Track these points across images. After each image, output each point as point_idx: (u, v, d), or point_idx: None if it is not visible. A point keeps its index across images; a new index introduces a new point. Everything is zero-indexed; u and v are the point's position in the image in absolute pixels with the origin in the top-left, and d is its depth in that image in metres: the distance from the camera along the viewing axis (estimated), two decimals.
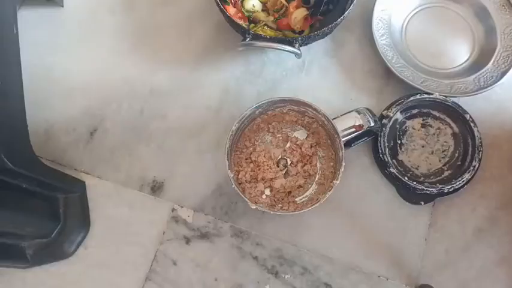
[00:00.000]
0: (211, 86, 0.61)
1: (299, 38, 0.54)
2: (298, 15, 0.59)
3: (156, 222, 0.56)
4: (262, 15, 0.60)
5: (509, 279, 0.54)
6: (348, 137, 0.52)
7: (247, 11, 0.60)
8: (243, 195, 0.50)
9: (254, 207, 0.50)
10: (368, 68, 0.62)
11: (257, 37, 0.54)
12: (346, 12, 0.54)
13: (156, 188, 0.58)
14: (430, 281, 0.54)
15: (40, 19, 0.64)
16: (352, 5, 0.55)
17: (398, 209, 0.57)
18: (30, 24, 0.63)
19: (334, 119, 0.52)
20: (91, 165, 0.58)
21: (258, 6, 0.60)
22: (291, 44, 0.54)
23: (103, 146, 0.59)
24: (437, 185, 0.55)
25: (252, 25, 0.60)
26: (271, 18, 0.60)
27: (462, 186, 0.55)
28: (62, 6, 0.64)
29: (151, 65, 0.62)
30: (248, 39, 0.53)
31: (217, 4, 0.55)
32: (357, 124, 0.52)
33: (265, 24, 0.60)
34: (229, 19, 0.55)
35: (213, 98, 0.61)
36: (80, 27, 0.64)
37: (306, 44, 0.58)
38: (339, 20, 0.54)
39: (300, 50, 0.54)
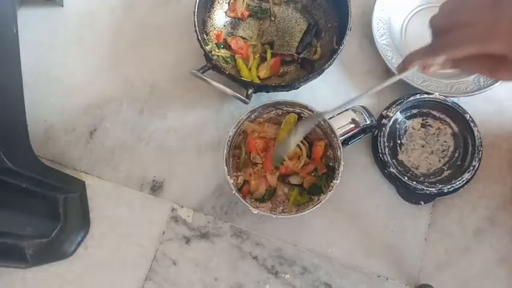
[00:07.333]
0: (211, 85, 0.61)
1: (254, 85, 0.53)
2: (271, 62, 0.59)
3: (156, 222, 0.56)
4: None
5: (509, 279, 0.54)
6: (344, 136, 0.52)
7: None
8: (244, 201, 0.48)
9: (256, 211, 0.48)
10: (368, 68, 0.62)
11: (216, 68, 0.52)
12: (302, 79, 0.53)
13: (156, 188, 0.58)
14: (430, 281, 0.54)
15: (40, 19, 0.64)
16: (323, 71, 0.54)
17: (398, 209, 0.56)
18: (30, 24, 0.63)
19: (330, 118, 0.52)
20: (91, 165, 0.58)
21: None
22: (246, 86, 0.52)
23: (103, 146, 0.59)
24: (437, 184, 0.54)
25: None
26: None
27: (462, 186, 0.55)
28: (62, 6, 0.64)
29: (151, 65, 0.62)
30: (206, 68, 0.52)
31: (194, 24, 0.54)
32: (352, 123, 0.52)
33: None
34: (199, 42, 0.53)
35: (212, 98, 0.61)
36: (80, 27, 0.64)
37: (267, 92, 0.56)
38: (293, 83, 0.53)
39: (249, 98, 0.51)
